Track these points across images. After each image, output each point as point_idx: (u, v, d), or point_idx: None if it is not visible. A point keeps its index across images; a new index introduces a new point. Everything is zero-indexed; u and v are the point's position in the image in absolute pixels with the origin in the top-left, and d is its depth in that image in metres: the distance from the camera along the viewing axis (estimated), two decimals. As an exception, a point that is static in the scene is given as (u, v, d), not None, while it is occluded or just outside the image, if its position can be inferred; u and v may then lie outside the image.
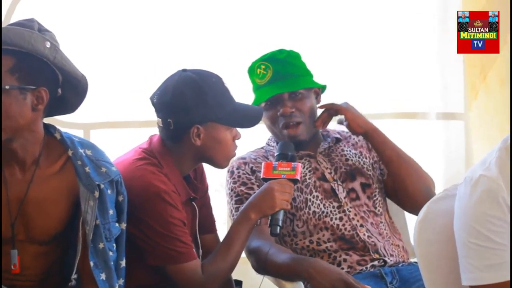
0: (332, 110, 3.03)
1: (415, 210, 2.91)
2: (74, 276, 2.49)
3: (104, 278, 2.46)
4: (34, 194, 2.41)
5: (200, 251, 2.79)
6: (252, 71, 3.05)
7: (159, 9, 3.98)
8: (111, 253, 2.49)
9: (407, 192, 3.02)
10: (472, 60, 4.13)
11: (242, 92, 3.12)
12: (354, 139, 3.16)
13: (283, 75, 2.99)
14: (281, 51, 3.03)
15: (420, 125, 4.19)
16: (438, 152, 4.17)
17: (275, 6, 4.04)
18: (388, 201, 3.12)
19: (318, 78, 3.10)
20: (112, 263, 2.49)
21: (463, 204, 2.17)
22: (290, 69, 3.00)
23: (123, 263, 2.54)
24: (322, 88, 3.10)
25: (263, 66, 3.00)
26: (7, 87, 2.32)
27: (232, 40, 3.97)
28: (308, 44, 3.57)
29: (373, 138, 3.03)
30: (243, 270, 2.93)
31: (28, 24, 2.37)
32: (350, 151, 3.11)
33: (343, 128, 3.14)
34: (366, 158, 3.10)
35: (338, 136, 3.15)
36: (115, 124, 4.07)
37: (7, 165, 2.40)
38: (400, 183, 3.03)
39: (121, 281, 2.52)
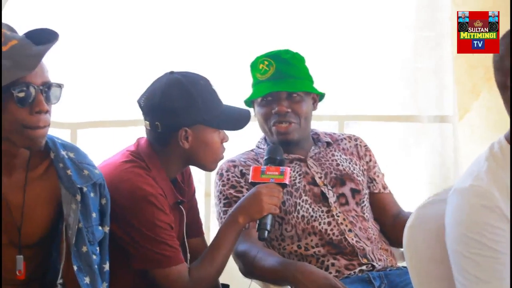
0: None
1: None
2: (59, 281, 2.46)
3: (88, 282, 2.44)
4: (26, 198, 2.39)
5: (188, 255, 2.77)
6: (254, 65, 3.05)
7: (151, 8, 3.96)
8: (94, 257, 2.47)
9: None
10: (473, 60, 4.12)
11: (233, 94, 3.11)
12: (345, 144, 3.15)
13: (284, 74, 2.99)
14: (287, 51, 3.04)
15: (410, 128, 4.20)
16: (428, 155, 4.17)
17: (267, 9, 4.02)
18: None
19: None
20: (96, 266, 2.46)
21: (457, 215, 2.14)
22: (292, 70, 3.00)
23: (106, 266, 2.52)
24: (320, 96, 3.09)
25: (266, 62, 3.00)
26: None
27: (223, 41, 3.96)
28: (303, 47, 3.54)
29: None
30: (231, 274, 2.91)
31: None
32: (340, 156, 3.10)
33: (334, 131, 3.13)
34: (356, 165, 3.10)
35: (329, 140, 3.14)
36: (102, 124, 4.04)
37: None
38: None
39: (105, 285, 2.50)
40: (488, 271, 2.08)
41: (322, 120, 4.02)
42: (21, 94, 2.24)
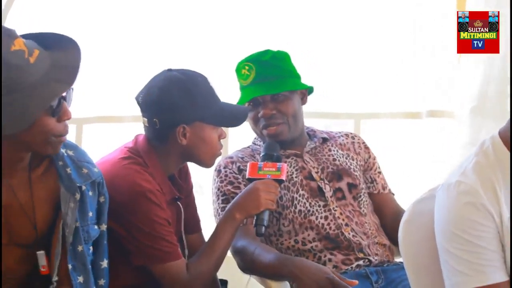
0: None
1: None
2: (55, 278, 2.44)
3: (81, 281, 2.43)
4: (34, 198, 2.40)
5: (186, 250, 2.80)
6: (238, 71, 3.06)
7: (154, 6, 3.98)
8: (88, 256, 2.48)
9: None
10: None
11: (229, 91, 3.11)
12: (342, 140, 3.16)
13: (265, 77, 3.00)
14: (266, 52, 3.04)
15: (412, 124, 4.20)
16: (429, 150, 4.17)
17: (266, 5, 4.02)
18: None
19: (310, 79, 3.09)
20: (90, 266, 2.47)
21: (442, 210, 2.17)
22: (272, 71, 3.00)
23: (104, 263, 2.52)
24: (309, 89, 3.09)
25: (246, 67, 3.01)
26: None
27: (224, 38, 3.97)
28: (302, 43, 3.56)
29: None
30: (229, 269, 2.93)
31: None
32: (337, 151, 3.11)
33: (330, 129, 3.13)
34: (353, 160, 3.11)
35: (325, 136, 3.15)
36: (108, 119, 4.06)
37: None
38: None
39: (102, 281, 2.51)
40: (468, 264, 2.11)
41: (339, 118, 4.03)
42: (55, 106, 2.22)
